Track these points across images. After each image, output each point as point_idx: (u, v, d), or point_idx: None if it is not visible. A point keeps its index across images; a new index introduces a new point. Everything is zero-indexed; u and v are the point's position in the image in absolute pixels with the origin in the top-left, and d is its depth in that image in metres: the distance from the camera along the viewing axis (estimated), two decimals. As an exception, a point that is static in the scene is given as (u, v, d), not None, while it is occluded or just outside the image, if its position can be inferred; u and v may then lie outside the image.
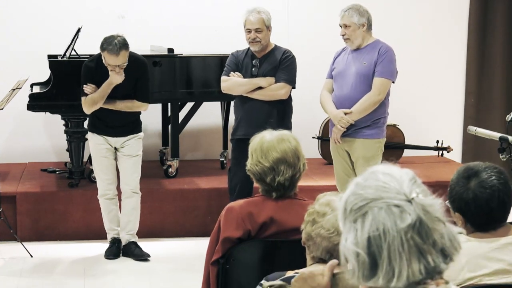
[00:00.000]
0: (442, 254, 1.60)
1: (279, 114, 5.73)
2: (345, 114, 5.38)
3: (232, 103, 7.38)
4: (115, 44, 5.48)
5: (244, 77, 5.77)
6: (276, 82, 5.73)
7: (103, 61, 5.58)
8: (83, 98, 5.71)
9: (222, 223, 3.23)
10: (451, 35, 8.29)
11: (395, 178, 1.63)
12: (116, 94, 5.71)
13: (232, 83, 5.78)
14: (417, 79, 8.09)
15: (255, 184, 3.36)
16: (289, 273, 2.51)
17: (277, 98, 5.73)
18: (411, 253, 1.57)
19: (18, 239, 6.03)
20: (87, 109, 5.72)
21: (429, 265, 1.58)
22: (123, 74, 5.61)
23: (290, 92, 5.80)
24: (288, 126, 5.63)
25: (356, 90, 5.39)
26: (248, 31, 5.71)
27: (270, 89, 5.72)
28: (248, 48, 5.82)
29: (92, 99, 5.67)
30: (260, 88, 5.72)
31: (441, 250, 1.60)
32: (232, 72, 5.78)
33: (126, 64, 5.58)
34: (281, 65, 5.74)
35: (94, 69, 5.70)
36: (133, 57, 5.70)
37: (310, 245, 2.61)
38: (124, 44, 5.53)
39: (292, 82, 5.77)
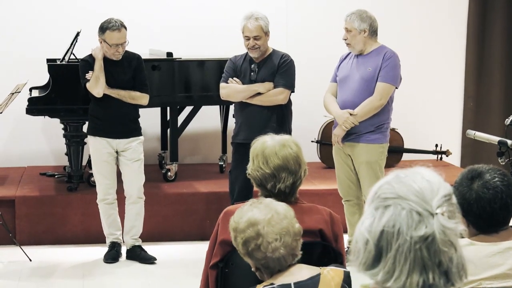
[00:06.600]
0: (445, 277, 1.58)
1: (279, 118, 5.72)
2: (350, 114, 5.39)
3: (232, 107, 7.41)
4: (115, 21, 5.69)
5: (243, 82, 5.73)
6: (275, 87, 5.69)
7: (104, 47, 5.68)
8: (87, 84, 5.74)
9: (220, 226, 3.22)
10: (450, 39, 8.29)
11: (431, 188, 1.61)
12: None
13: (231, 90, 5.75)
14: (416, 83, 8.07)
15: (255, 188, 3.33)
16: None
17: (276, 103, 5.70)
18: (415, 262, 1.56)
19: (17, 243, 6.02)
20: (94, 88, 5.71)
21: (428, 282, 1.56)
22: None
23: (290, 96, 5.80)
24: (287, 130, 5.61)
25: (359, 95, 5.40)
26: (247, 38, 5.67)
27: (269, 94, 5.70)
28: (247, 53, 5.79)
29: (93, 76, 5.69)
30: (259, 93, 5.70)
31: (445, 272, 1.58)
32: (230, 79, 5.75)
33: (126, 43, 5.71)
34: (279, 69, 5.71)
35: (92, 62, 5.76)
36: (125, 52, 5.81)
37: (269, 265, 2.58)
38: (122, 23, 5.71)
39: (291, 87, 5.74)
